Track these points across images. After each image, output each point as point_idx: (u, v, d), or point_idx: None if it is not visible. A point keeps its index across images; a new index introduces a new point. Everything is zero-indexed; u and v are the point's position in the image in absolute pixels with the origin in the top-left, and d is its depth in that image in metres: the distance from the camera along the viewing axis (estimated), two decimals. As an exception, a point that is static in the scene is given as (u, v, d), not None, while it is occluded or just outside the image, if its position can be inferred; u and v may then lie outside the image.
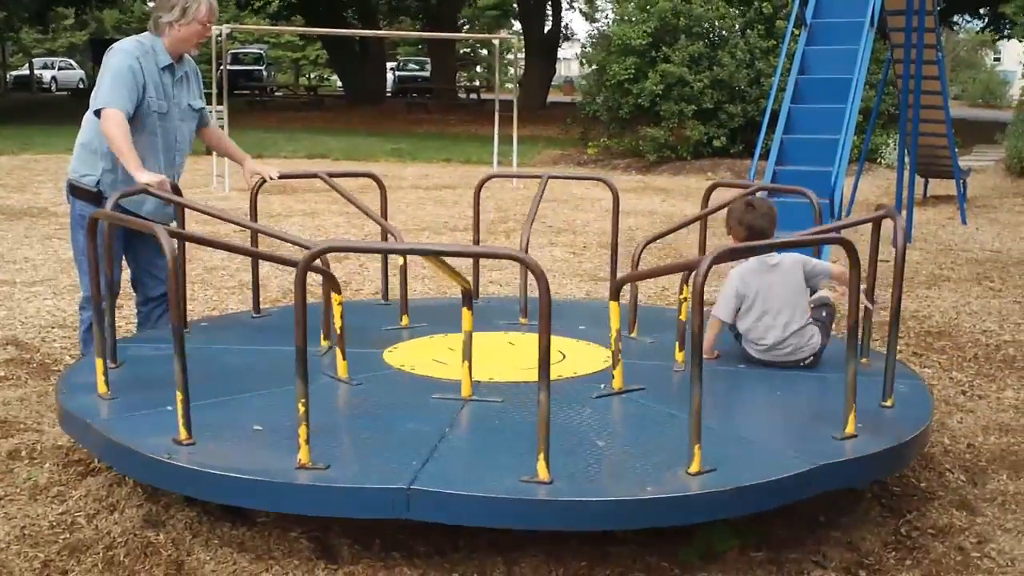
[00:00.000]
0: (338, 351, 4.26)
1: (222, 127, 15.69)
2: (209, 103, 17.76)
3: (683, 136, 18.72)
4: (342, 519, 3.58)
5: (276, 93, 41.34)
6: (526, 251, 5.14)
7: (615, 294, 4.16)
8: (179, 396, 3.47)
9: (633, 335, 5.10)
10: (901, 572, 3.56)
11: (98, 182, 4.79)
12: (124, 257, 5.00)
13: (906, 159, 11.02)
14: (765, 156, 10.00)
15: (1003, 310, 7.65)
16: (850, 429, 3.66)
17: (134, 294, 5.30)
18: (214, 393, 3.99)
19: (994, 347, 6.58)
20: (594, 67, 20.89)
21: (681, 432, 3.44)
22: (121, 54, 4.72)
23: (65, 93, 45.26)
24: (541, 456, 3.21)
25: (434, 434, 3.64)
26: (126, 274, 5.23)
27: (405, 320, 5.28)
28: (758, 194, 5.11)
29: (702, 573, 3.49)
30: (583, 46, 23.95)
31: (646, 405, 4.07)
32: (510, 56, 28.49)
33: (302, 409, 3.28)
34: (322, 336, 4.71)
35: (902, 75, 11.48)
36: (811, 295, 4.71)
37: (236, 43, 43.71)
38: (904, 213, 10.46)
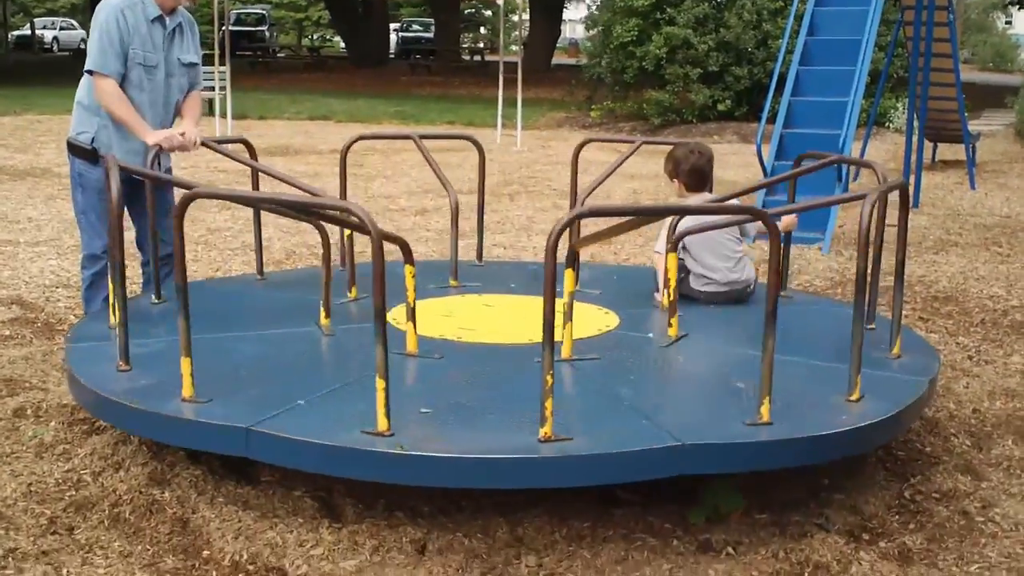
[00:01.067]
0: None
1: (223, 88, 15.66)
2: (211, 64, 17.68)
3: (688, 99, 18.61)
4: (344, 480, 3.57)
5: (279, 54, 41.15)
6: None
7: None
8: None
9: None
10: (904, 536, 3.56)
11: (93, 139, 4.80)
12: (129, 217, 4.98)
13: (915, 123, 10.95)
14: (772, 119, 9.93)
15: (1011, 275, 7.62)
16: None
17: (138, 254, 5.29)
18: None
19: (1001, 312, 6.56)
20: (599, 28, 20.74)
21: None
22: (108, 8, 4.68)
23: (67, 53, 45.01)
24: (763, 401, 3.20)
25: (603, 395, 3.70)
26: (129, 235, 5.22)
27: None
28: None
29: (705, 534, 3.50)
30: (588, 7, 23.79)
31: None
32: (514, 17, 28.31)
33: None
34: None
35: (912, 37, 11.38)
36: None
37: (238, 3, 43.46)
38: (912, 178, 10.42)
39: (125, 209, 4.77)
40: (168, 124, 4.91)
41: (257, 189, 5.43)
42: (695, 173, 4.95)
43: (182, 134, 4.86)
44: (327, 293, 4.45)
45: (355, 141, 5.50)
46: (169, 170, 5.20)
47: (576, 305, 4.73)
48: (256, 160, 5.25)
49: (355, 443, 3.22)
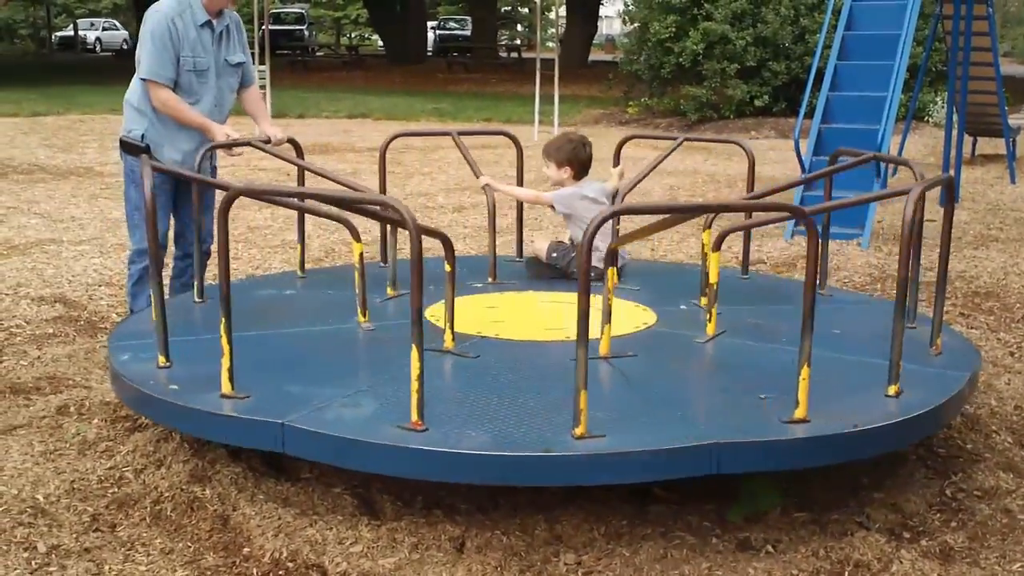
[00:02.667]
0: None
1: (263, 87, 15.77)
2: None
3: (725, 95, 18.51)
4: (382, 477, 3.60)
5: (317, 53, 41.33)
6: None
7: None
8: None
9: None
10: (946, 534, 3.53)
11: (143, 136, 4.97)
12: (170, 211, 5.22)
13: (954, 117, 10.83)
14: (810, 115, 9.86)
15: (1052, 271, 7.52)
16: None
17: (173, 248, 5.47)
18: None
19: (1043, 308, 6.48)
20: (636, 25, 20.67)
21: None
22: (158, 16, 4.82)
23: (109, 53, 45.53)
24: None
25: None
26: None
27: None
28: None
29: (744, 532, 3.48)
30: (625, 3, 23.73)
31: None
32: (551, 14, 28.26)
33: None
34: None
35: (951, 31, 11.26)
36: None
37: (277, 2, 43.71)
38: (952, 172, 10.31)
39: (164, 207, 5.02)
40: (222, 124, 5.07)
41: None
42: (586, 163, 5.43)
43: (267, 140, 5.14)
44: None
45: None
46: (215, 168, 5.34)
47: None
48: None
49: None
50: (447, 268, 4.00)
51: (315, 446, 3.34)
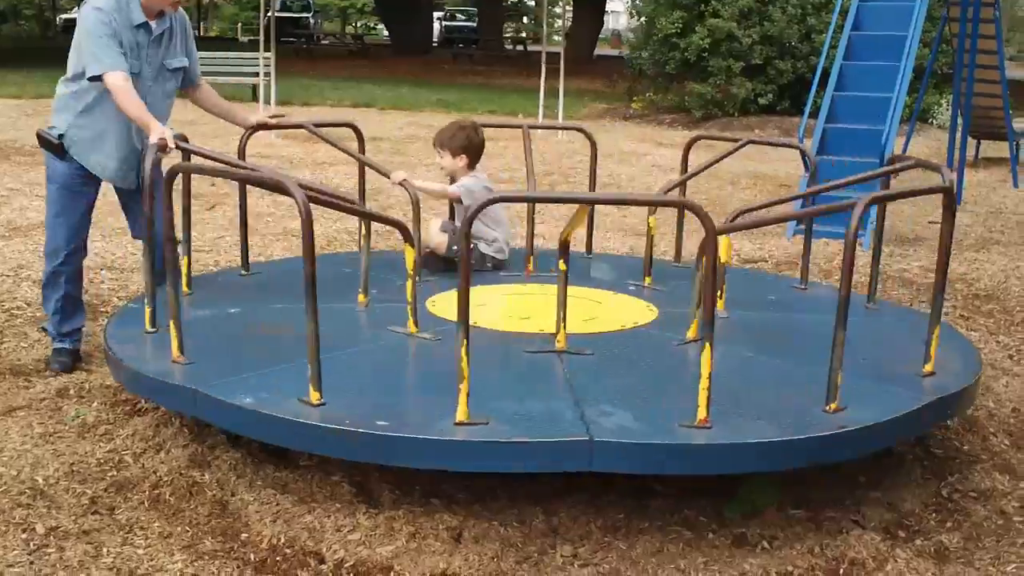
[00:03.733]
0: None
1: (268, 75, 15.75)
2: (256, 51, 17.70)
3: (730, 93, 18.48)
4: (382, 465, 3.61)
5: (323, 41, 41.28)
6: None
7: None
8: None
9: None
10: (941, 534, 3.54)
11: (61, 136, 4.64)
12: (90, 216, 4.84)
13: (959, 119, 10.82)
14: (814, 114, 9.85)
15: (1053, 275, 7.53)
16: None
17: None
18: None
19: (1043, 312, 6.49)
20: (643, 20, 20.63)
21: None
22: (95, 12, 4.47)
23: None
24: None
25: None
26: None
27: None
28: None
29: (741, 528, 3.50)
30: (632, -2, 23.70)
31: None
32: (557, 8, 28.27)
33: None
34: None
35: (957, 33, 11.25)
36: None
37: (283, -10, 43.63)
38: (955, 175, 10.30)
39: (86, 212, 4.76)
40: (141, 134, 4.59)
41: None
42: (480, 150, 5.39)
43: (257, 124, 5.07)
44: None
45: (250, 134, 5.26)
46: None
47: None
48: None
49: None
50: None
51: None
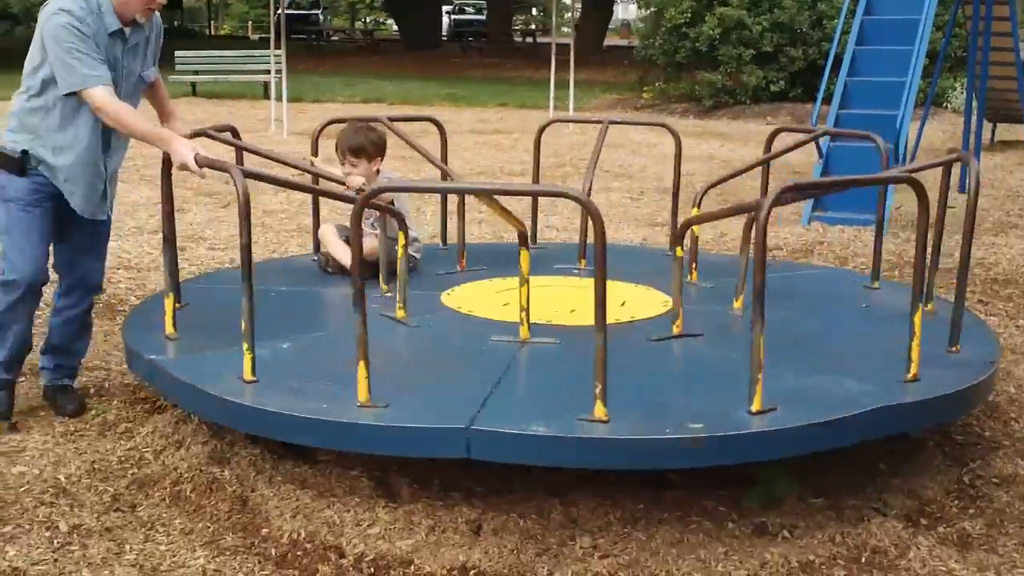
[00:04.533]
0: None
1: (279, 72, 15.77)
2: (267, 48, 17.71)
3: (740, 81, 18.43)
4: (401, 459, 3.63)
5: (332, 37, 41.32)
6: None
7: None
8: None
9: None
10: (963, 520, 3.53)
11: (25, 151, 4.02)
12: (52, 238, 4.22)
13: (974, 103, 10.76)
14: (827, 100, 9.81)
15: (1071, 258, 7.49)
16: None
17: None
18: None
19: (1062, 295, 6.46)
20: (652, 10, 20.59)
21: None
22: (63, 18, 3.83)
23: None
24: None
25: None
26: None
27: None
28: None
29: (760, 518, 3.49)
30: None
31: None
32: (567, -1, 28.25)
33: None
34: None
35: (971, 16, 11.18)
36: None
37: (293, -13, 43.65)
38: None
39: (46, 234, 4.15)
40: (110, 152, 4.18)
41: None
42: (383, 151, 5.00)
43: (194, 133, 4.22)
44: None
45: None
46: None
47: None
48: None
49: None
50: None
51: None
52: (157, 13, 4.18)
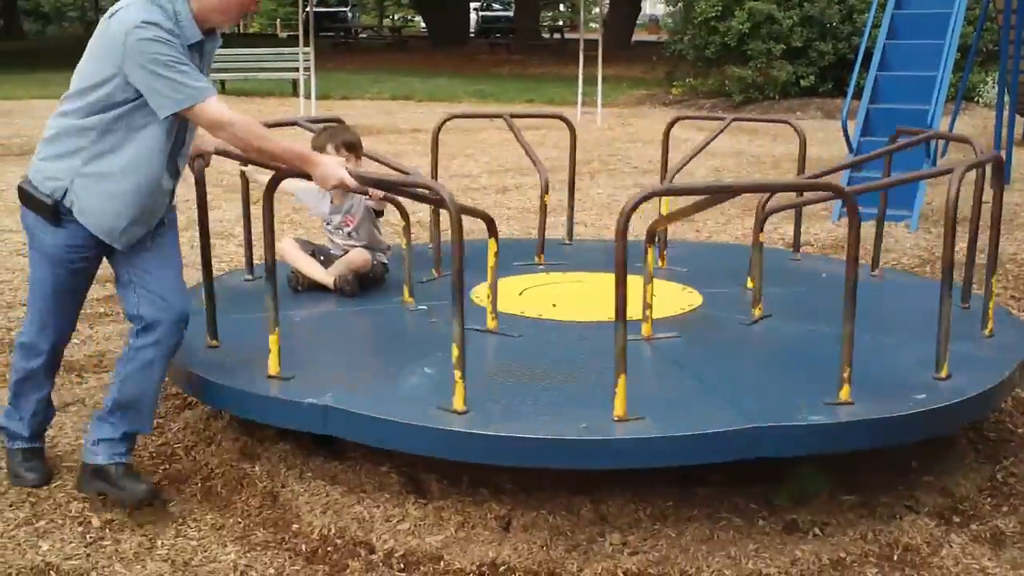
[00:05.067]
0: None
1: (308, 69, 15.82)
2: (295, 46, 17.85)
3: (770, 76, 18.33)
4: (428, 456, 3.61)
5: (361, 35, 41.41)
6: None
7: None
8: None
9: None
10: (997, 518, 3.49)
11: (65, 192, 3.40)
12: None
13: (1006, 97, 10.66)
14: (858, 95, 9.75)
15: (1106, 254, 7.40)
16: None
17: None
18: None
19: (1096, 291, 6.38)
20: (680, 5, 20.51)
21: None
22: (154, 29, 3.27)
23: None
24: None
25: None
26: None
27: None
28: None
29: (791, 515, 3.47)
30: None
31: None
32: (595, -5, 28.17)
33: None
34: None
35: (1003, 10, 11.07)
36: None
37: (321, -16, 43.81)
38: (1003, 154, 10.15)
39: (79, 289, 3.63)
40: (178, 177, 3.59)
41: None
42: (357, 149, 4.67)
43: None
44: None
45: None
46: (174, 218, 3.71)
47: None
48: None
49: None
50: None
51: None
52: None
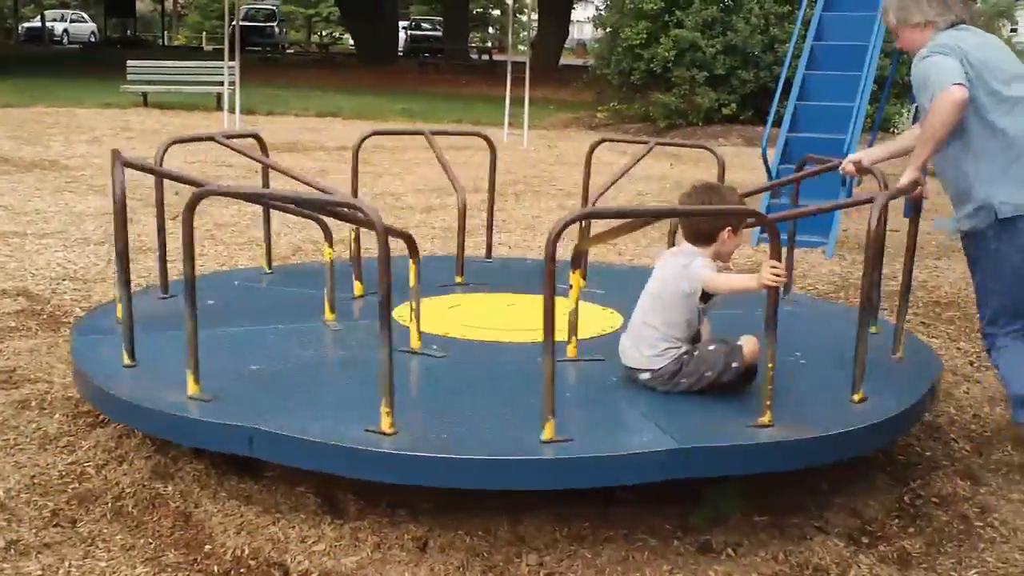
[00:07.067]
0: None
1: (232, 83, 15.69)
2: (221, 59, 17.69)
3: (694, 102, 18.59)
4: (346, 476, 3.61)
5: (288, 50, 41.19)
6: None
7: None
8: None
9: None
10: (904, 540, 3.57)
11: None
12: None
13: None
14: (778, 123, 9.94)
15: (1013, 282, 7.61)
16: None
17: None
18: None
19: (1003, 319, 6.56)
20: (608, 30, 20.73)
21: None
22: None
23: (77, 46, 45.11)
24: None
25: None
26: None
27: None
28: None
29: (705, 535, 3.51)
30: (597, 8, 23.80)
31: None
32: (523, 17, 28.34)
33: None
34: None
35: (918, 44, 11.37)
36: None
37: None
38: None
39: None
40: None
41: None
42: None
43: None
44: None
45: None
46: None
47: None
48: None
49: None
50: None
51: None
52: None
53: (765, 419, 3.42)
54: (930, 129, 3.99)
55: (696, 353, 3.69)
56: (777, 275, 3.33)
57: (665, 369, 3.70)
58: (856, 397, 3.69)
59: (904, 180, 4.14)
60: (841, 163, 4.73)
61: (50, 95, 20.57)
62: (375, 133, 5.79)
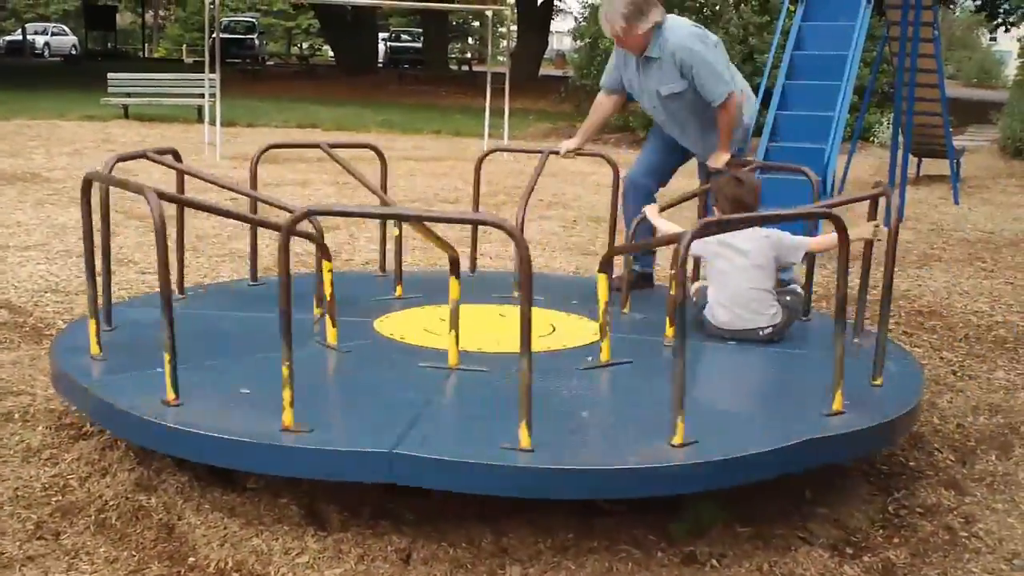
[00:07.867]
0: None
1: (213, 95, 15.65)
2: (201, 72, 17.66)
3: (675, 112, 18.63)
4: (330, 486, 3.61)
5: (268, 62, 41.17)
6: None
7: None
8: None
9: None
10: (888, 550, 3.58)
11: None
12: None
13: (900, 138, 11.02)
14: (757, 133, 9.98)
15: (994, 291, 7.67)
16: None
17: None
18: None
19: (985, 327, 6.61)
20: (587, 41, 20.79)
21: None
22: (709, 40, 5.65)
23: (58, 59, 44.94)
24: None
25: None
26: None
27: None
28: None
29: (689, 547, 3.51)
30: (576, 20, 23.89)
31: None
32: (503, 28, 28.39)
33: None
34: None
35: (897, 53, 11.46)
36: (781, 271, 4.89)
37: (228, 11, 43.40)
38: (897, 192, 10.47)
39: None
40: None
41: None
42: (739, 204, 4.79)
43: None
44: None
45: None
46: None
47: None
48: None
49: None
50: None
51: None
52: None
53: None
54: None
55: (788, 304, 4.70)
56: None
57: (781, 321, 4.63)
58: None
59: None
60: None
61: (31, 108, 20.47)
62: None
